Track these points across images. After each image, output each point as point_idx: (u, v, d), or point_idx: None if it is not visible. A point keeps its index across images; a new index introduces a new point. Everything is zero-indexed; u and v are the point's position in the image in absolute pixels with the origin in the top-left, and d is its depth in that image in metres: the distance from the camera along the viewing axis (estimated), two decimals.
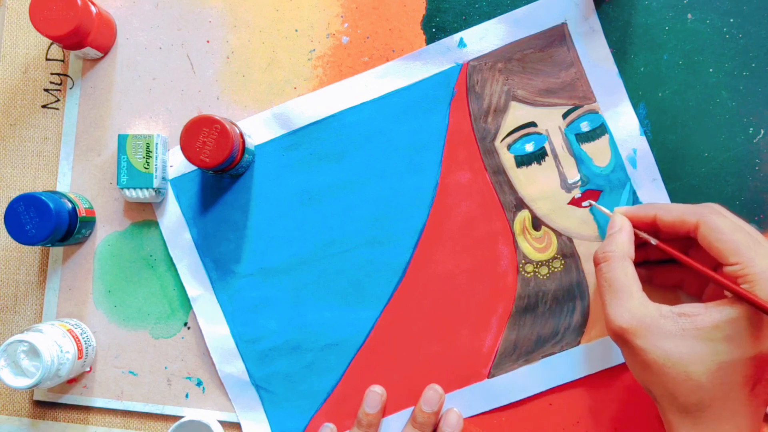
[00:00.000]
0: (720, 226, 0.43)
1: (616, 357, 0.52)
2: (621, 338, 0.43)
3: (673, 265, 0.50)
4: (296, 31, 0.54)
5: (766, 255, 0.41)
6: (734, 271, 0.41)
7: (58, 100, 0.55)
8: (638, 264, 0.49)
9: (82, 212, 0.52)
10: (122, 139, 0.52)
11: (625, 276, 0.44)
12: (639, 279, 0.44)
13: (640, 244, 0.47)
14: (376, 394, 0.52)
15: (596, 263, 0.46)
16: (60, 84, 0.55)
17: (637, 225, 0.47)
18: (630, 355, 0.43)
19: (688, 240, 0.45)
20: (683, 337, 0.41)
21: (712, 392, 0.41)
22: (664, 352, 0.41)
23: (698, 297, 0.49)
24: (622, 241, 0.46)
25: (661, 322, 0.42)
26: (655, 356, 0.41)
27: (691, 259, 0.44)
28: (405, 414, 0.53)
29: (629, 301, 0.43)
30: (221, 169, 0.50)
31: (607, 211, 0.50)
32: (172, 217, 0.54)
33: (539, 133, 0.52)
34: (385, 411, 0.53)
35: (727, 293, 0.42)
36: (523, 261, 0.53)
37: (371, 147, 0.53)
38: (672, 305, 0.43)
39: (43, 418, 0.55)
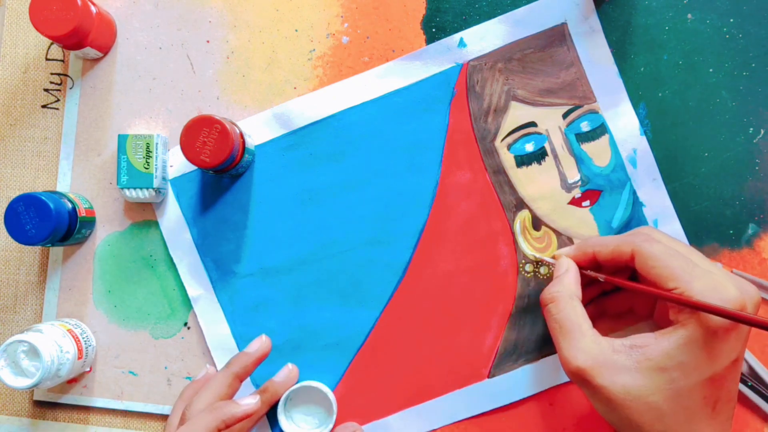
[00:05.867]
0: (653, 253, 0.43)
1: None
2: (579, 378, 0.43)
3: (621, 291, 0.50)
4: (296, 31, 0.54)
5: (703, 275, 0.41)
6: (675, 296, 0.41)
7: (58, 100, 0.55)
8: (592, 300, 0.50)
9: (82, 212, 0.52)
10: (122, 139, 0.52)
11: (574, 315, 0.44)
12: (590, 316, 0.44)
13: (588, 282, 0.48)
14: (287, 368, 0.52)
15: (543, 305, 0.46)
16: (60, 84, 0.55)
17: (582, 264, 0.48)
18: (591, 394, 0.43)
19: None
20: (638, 370, 0.41)
21: (674, 418, 0.41)
22: (623, 386, 0.41)
23: (650, 317, 0.48)
24: (569, 282, 0.46)
25: (615, 357, 0.42)
26: (615, 391, 0.41)
27: (642, 283, 0.44)
28: (406, 414, 0.53)
29: (581, 340, 0.43)
30: (221, 169, 0.50)
31: (549, 260, 0.51)
32: (172, 217, 0.54)
33: (539, 133, 0.52)
34: (386, 411, 0.53)
35: (672, 318, 0.42)
36: (523, 261, 0.53)
37: (371, 147, 0.53)
38: (623, 336, 0.43)
39: (43, 418, 0.55)
